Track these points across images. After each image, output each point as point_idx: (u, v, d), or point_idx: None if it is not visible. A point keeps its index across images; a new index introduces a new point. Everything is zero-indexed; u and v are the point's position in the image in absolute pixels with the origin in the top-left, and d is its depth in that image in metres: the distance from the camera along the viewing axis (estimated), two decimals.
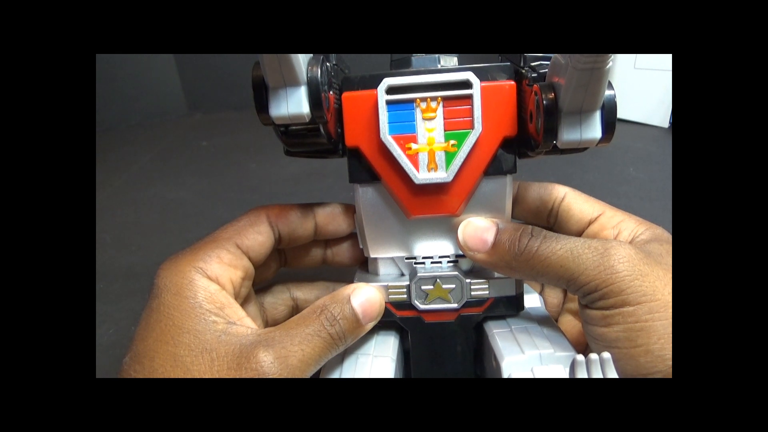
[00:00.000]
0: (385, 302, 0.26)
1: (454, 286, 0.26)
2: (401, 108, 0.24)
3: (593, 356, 0.20)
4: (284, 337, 0.22)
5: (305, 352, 0.21)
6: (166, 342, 0.21)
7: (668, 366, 0.21)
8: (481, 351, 0.27)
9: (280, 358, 0.21)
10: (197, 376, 0.21)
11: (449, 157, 0.24)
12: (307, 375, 0.22)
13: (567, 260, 0.22)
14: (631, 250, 0.22)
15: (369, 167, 0.25)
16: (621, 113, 0.80)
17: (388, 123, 0.23)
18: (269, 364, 0.21)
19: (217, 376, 0.21)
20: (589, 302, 0.23)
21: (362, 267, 0.30)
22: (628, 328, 0.21)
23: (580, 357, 0.20)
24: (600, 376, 0.20)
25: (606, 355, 0.20)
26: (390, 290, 0.26)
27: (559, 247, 0.23)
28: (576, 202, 0.28)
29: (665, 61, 0.77)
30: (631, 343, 0.21)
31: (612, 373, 0.20)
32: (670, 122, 0.78)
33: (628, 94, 0.81)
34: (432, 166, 0.24)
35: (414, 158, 0.24)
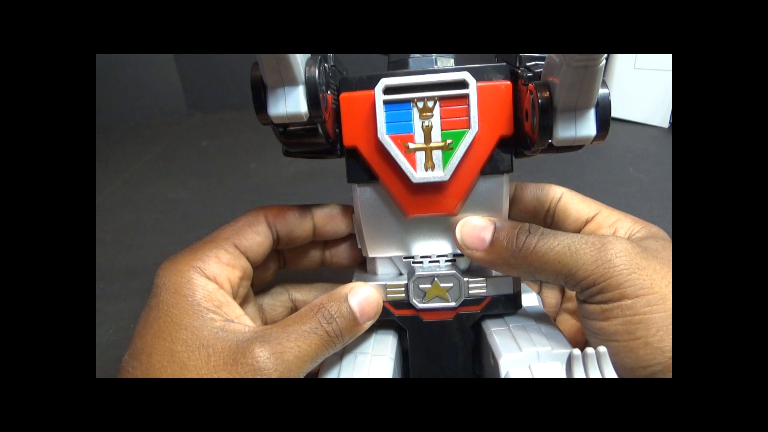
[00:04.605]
0: (384, 301, 0.26)
1: (451, 284, 0.26)
2: (398, 108, 0.24)
3: (590, 350, 0.20)
4: (281, 334, 0.22)
5: (301, 349, 0.22)
6: (164, 338, 0.22)
7: (667, 358, 0.21)
8: (480, 349, 0.27)
9: (276, 353, 0.21)
10: (194, 371, 0.21)
11: (446, 156, 0.24)
12: (303, 371, 0.22)
13: (565, 256, 0.23)
14: (627, 245, 0.23)
15: (367, 167, 0.25)
16: (621, 113, 0.81)
17: (386, 123, 0.24)
18: (265, 360, 0.21)
19: (213, 372, 0.21)
20: (587, 297, 0.23)
21: (361, 267, 0.30)
22: (626, 321, 0.22)
23: (577, 351, 0.20)
24: (596, 369, 0.20)
25: (602, 349, 0.20)
26: (388, 289, 0.26)
27: (557, 243, 0.23)
28: (572, 202, 0.29)
29: (665, 61, 0.76)
30: (630, 336, 0.22)
31: (608, 367, 0.20)
32: (670, 122, 0.78)
33: (628, 94, 0.80)
34: (429, 165, 0.24)
35: (411, 157, 0.24)
